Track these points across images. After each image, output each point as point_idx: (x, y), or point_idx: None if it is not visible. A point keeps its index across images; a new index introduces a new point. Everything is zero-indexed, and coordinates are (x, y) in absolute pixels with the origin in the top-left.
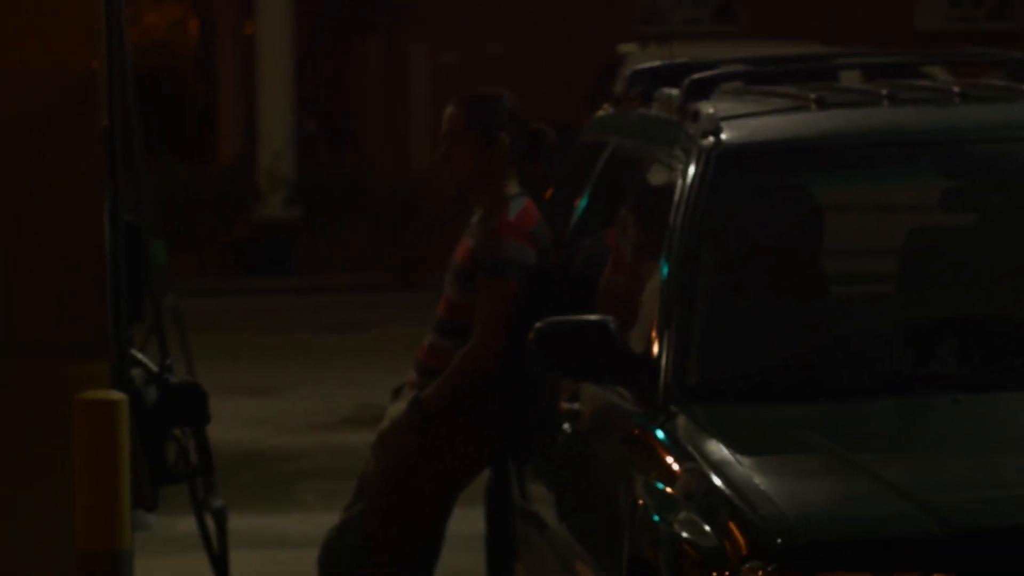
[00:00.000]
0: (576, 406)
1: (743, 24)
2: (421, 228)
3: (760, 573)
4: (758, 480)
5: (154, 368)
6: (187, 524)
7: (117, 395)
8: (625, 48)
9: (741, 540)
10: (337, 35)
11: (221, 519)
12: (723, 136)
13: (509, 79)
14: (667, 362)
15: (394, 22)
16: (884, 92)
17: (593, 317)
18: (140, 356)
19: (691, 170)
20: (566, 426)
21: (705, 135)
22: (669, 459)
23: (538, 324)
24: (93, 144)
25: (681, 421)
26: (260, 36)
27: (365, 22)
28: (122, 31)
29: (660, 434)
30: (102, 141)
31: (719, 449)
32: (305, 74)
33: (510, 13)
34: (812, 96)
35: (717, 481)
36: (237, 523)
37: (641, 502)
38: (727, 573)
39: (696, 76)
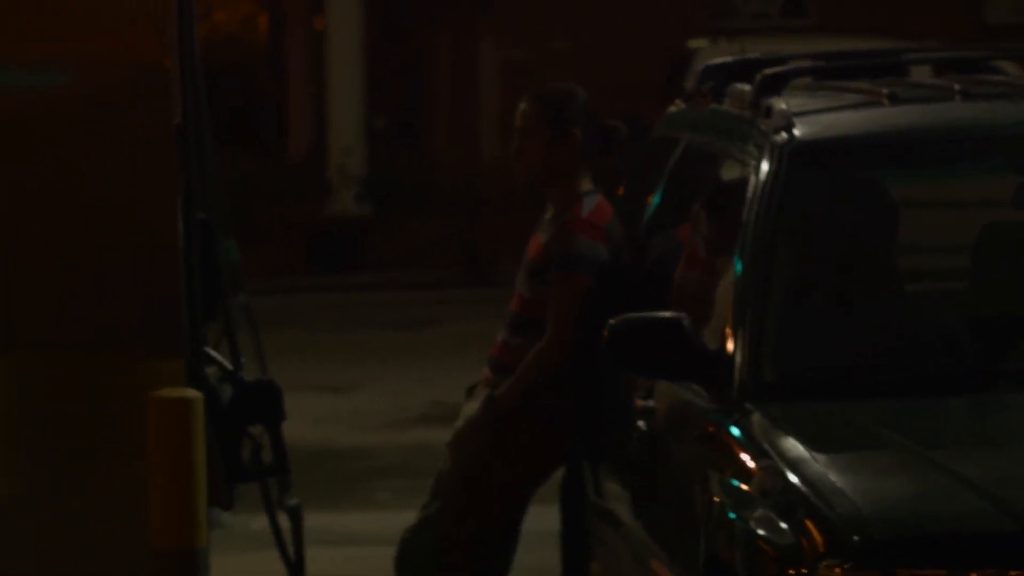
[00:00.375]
0: (651, 403)
1: (813, 18)
2: (490, 223)
3: (837, 571)
4: (834, 477)
5: (229, 366)
6: (262, 522)
7: (192, 393)
8: (695, 43)
9: (818, 538)
10: (406, 30)
11: (296, 517)
12: (796, 132)
13: (578, 74)
14: (742, 359)
15: (463, 17)
16: (956, 87)
17: (667, 314)
18: (215, 354)
19: (764, 166)
20: (641, 423)
21: (778, 131)
22: (745, 456)
23: (612, 321)
24: (166, 141)
25: (756, 418)
26: (330, 31)
27: (434, 17)
28: (193, 27)
29: (735, 431)
30: (175, 138)
31: (795, 446)
32: (374, 69)
33: (579, 8)
34: (884, 91)
35: (793, 478)
36: (311, 521)
37: (717, 500)
38: (804, 571)
39: (768, 71)
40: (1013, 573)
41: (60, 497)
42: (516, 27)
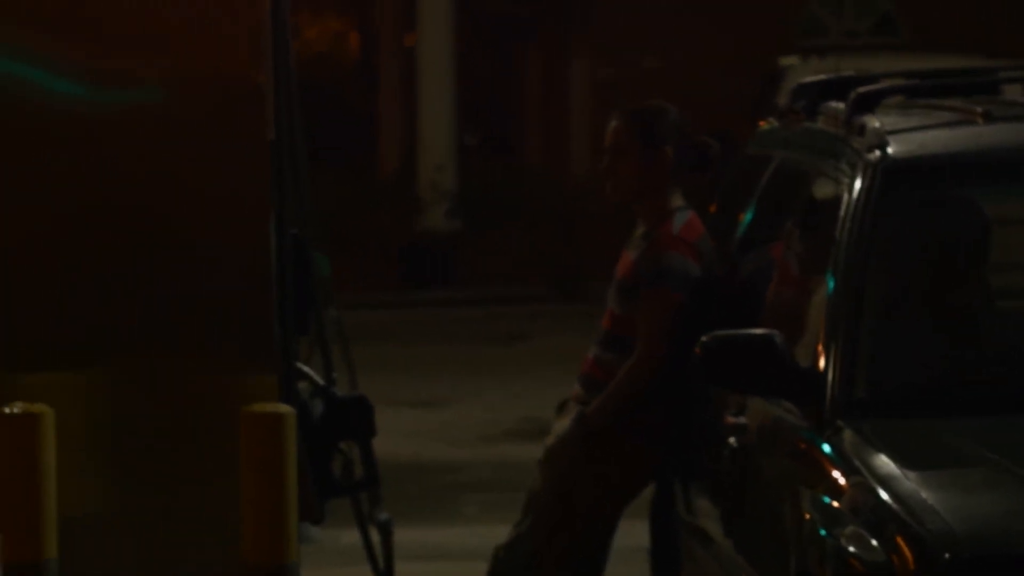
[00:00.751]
0: (742, 420)
1: (904, 36)
2: (581, 240)
3: None
4: (925, 494)
5: (320, 381)
6: (352, 536)
7: (284, 408)
8: (786, 61)
9: (908, 554)
10: (498, 47)
11: (386, 531)
12: (889, 150)
13: (668, 92)
14: (834, 376)
15: (555, 34)
16: None
17: (759, 331)
18: (306, 369)
19: (857, 184)
20: (732, 440)
21: (871, 149)
22: (836, 473)
23: (704, 338)
24: (261, 157)
25: (848, 435)
26: (421, 48)
27: (526, 34)
28: (288, 45)
29: (827, 448)
30: (269, 154)
31: (886, 463)
32: (466, 86)
33: (670, 26)
34: (978, 109)
35: (884, 495)
36: (401, 535)
37: (808, 516)
38: None
39: (861, 90)
40: None
41: (152, 511)
42: (608, 44)
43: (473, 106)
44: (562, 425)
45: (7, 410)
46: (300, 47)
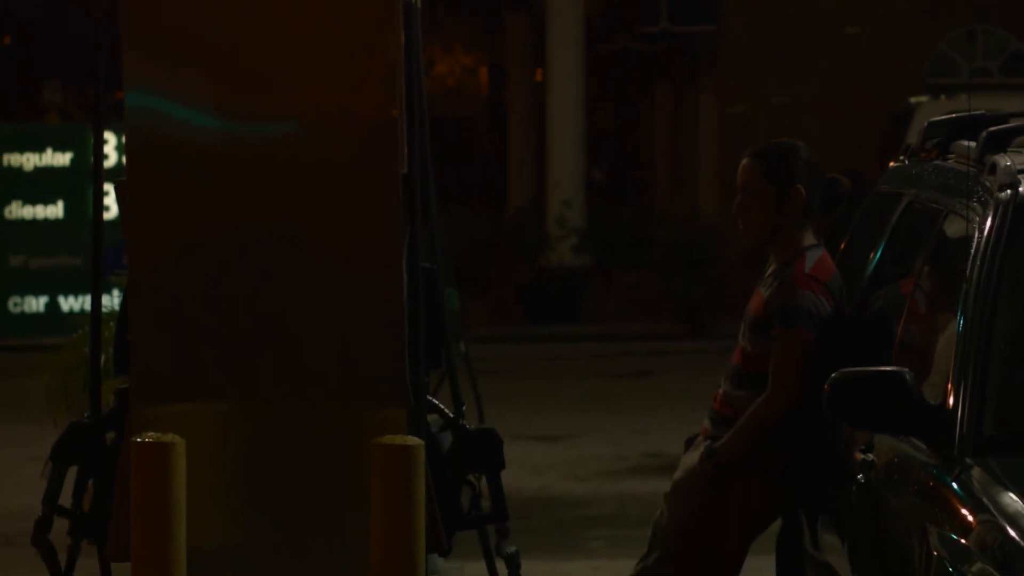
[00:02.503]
0: (870, 456)
1: None
2: (709, 277)
3: None
4: None
5: (450, 414)
6: (479, 569)
7: (414, 440)
8: (916, 99)
9: None
10: (627, 83)
11: (514, 565)
12: (1021, 189)
13: (797, 129)
14: (963, 414)
15: (684, 71)
16: None
17: (889, 368)
18: (436, 402)
19: (988, 222)
20: (860, 476)
21: (1002, 188)
22: (964, 511)
23: (834, 375)
24: (393, 191)
25: (976, 473)
26: (550, 83)
27: (655, 71)
28: (420, 80)
29: (955, 486)
30: (401, 188)
31: (1014, 501)
32: (594, 122)
33: (800, 63)
34: None
35: (1012, 533)
36: (527, 569)
37: (936, 554)
38: None
39: (993, 128)
40: None
41: (284, 544)
42: (737, 82)
43: (602, 142)
44: (691, 459)
45: (139, 439)
46: (430, 82)
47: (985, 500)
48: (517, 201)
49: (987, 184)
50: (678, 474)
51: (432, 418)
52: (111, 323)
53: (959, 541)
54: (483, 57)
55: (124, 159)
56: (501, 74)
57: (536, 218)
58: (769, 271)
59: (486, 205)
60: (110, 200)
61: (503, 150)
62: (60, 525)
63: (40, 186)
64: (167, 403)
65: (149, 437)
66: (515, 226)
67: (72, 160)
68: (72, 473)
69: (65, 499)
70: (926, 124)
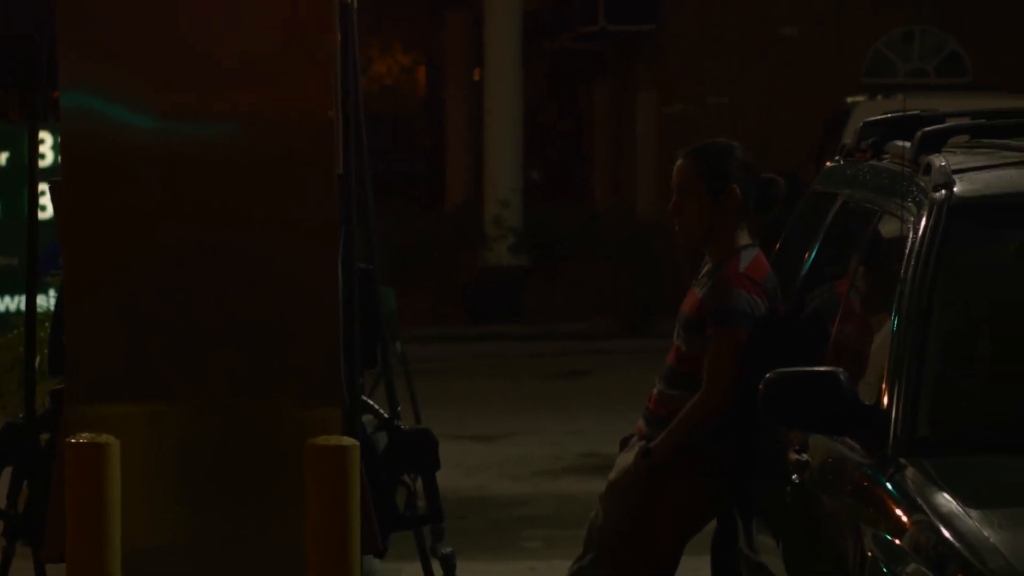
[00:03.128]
0: (804, 457)
1: (970, 76)
2: (646, 276)
3: None
4: (987, 533)
5: (385, 414)
6: (414, 570)
7: (349, 441)
8: (853, 99)
9: None
10: (564, 83)
11: (449, 565)
12: (955, 189)
13: (735, 129)
14: (897, 414)
15: (621, 70)
16: None
17: (824, 368)
18: (371, 402)
19: (923, 222)
20: (794, 477)
21: (937, 188)
22: (898, 511)
23: (768, 375)
24: (328, 191)
25: (910, 473)
26: (488, 82)
27: (592, 70)
28: (356, 80)
29: (889, 486)
30: (337, 189)
31: (948, 502)
32: (532, 121)
33: (737, 63)
34: None
35: (946, 534)
36: (463, 569)
37: (870, 554)
38: None
39: (927, 129)
40: None
41: (217, 543)
42: (675, 81)
43: (539, 141)
44: (625, 460)
45: (73, 440)
46: (368, 80)
47: (919, 500)
48: (455, 200)
49: (922, 184)
50: (613, 474)
51: (367, 418)
52: (46, 324)
53: (893, 542)
54: (422, 56)
55: (60, 159)
56: (440, 73)
57: (474, 217)
58: (704, 271)
59: (424, 204)
60: (46, 200)
61: (441, 149)
62: None
63: None
64: (101, 404)
65: (83, 438)
66: (453, 225)
67: (8, 160)
68: (7, 474)
69: None
70: (862, 124)
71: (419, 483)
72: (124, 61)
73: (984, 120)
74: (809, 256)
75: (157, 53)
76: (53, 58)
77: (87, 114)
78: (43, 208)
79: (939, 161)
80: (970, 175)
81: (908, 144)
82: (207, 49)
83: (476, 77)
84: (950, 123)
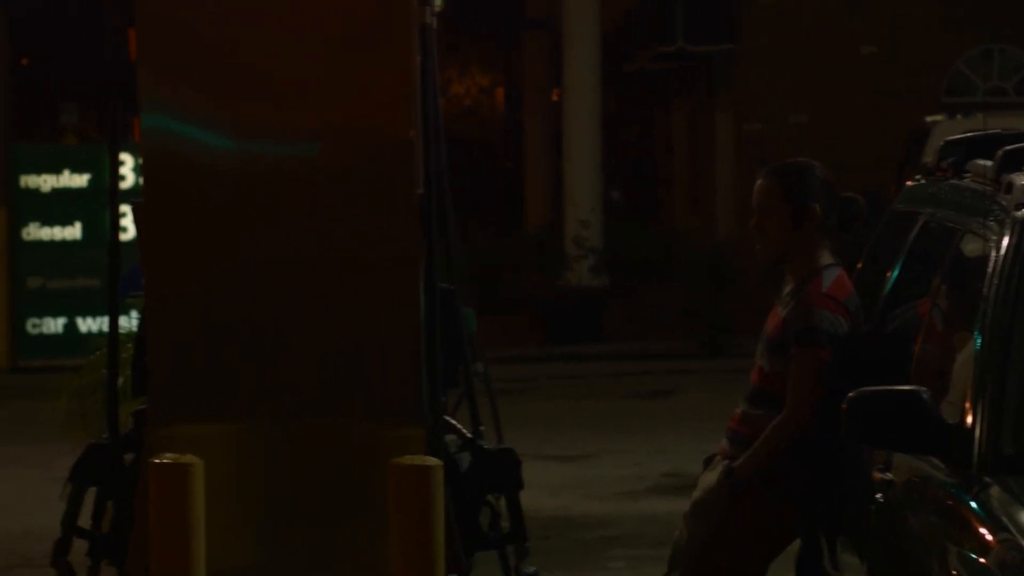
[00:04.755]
0: (889, 476)
1: None
2: (727, 296)
3: None
4: None
5: (468, 434)
6: None
7: (432, 461)
8: (932, 118)
9: None
10: (643, 102)
11: None
12: None
13: (814, 147)
14: (981, 432)
15: (700, 90)
16: None
17: (907, 387)
18: (454, 422)
19: (1005, 241)
20: (878, 496)
21: (1019, 206)
22: (983, 530)
23: (851, 394)
24: (409, 211)
25: (995, 492)
26: (567, 103)
27: (670, 90)
28: (436, 100)
29: (974, 505)
30: (418, 209)
31: None
32: (611, 141)
33: (816, 82)
34: None
35: None
36: None
37: (955, 573)
38: None
39: (1009, 147)
40: None
41: (303, 564)
42: (753, 100)
43: (619, 162)
44: (709, 479)
45: (157, 460)
46: (448, 103)
47: (1004, 519)
48: (535, 221)
49: (1003, 203)
50: (697, 493)
51: (450, 438)
52: (129, 344)
53: (978, 560)
54: (500, 77)
55: (141, 180)
56: (518, 94)
57: (554, 238)
58: (786, 290)
59: (504, 225)
60: (127, 221)
61: (520, 169)
62: (79, 546)
63: (57, 207)
64: (184, 424)
65: (167, 458)
66: (533, 245)
67: (89, 181)
68: (91, 495)
69: (84, 520)
70: (942, 143)
71: (502, 503)
72: (203, 81)
73: None
74: (891, 275)
75: (236, 73)
76: (132, 79)
77: (167, 135)
78: (123, 229)
79: (1021, 180)
80: None
81: (989, 163)
82: (286, 69)
83: (555, 98)
84: None
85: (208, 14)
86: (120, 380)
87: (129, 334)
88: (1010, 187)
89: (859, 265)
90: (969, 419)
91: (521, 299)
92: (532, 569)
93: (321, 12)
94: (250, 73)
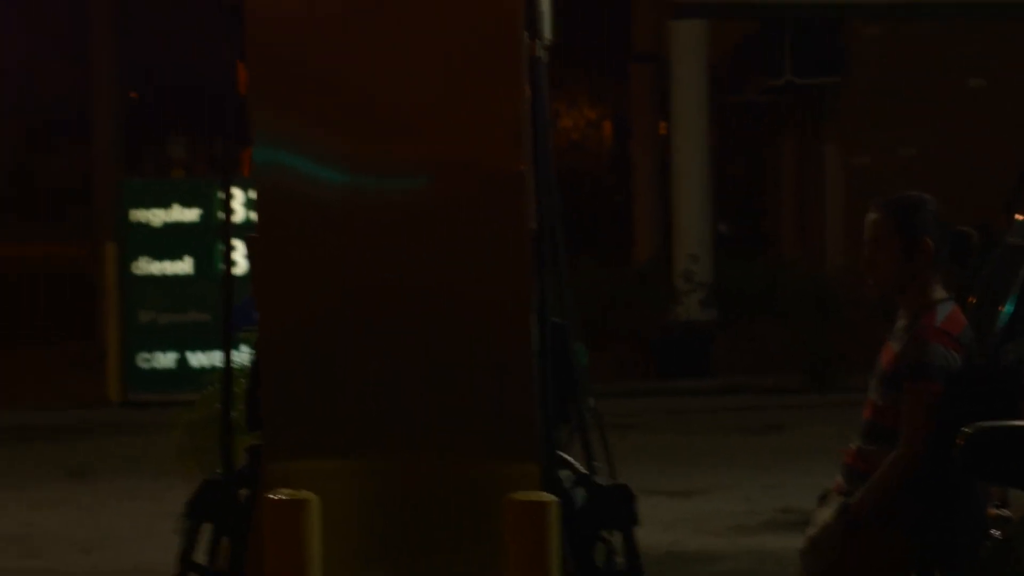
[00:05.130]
0: (1005, 512)
1: None
2: (836, 330)
3: None
4: None
5: (581, 469)
6: None
7: (548, 496)
8: None
9: None
10: (751, 136)
11: None
12: None
13: (923, 181)
14: None
15: (808, 123)
16: None
17: (1022, 422)
18: (568, 458)
19: None
20: (994, 531)
21: None
22: None
23: (966, 429)
24: (521, 246)
25: None
26: (675, 136)
27: (778, 122)
28: (547, 134)
29: None
30: (530, 243)
31: None
32: (719, 174)
33: (923, 115)
34: None
35: None
36: None
37: None
38: None
39: None
40: None
41: None
42: (862, 133)
43: (727, 195)
44: (824, 515)
45: (273, 496)
46: (555, 136)
47: None
48: (643, 254)
49: None
50: (812, 530)
51: (564, 474)
52: (242, 379)
53: None
54: (607, 111)
55: (250, 214)
56: (626, 127)
57: (662, 271)
58: (900, 324)
59: (612, 258)
60: (238, 255)
61: (629, 204)
62: None
63: (167, 242)
64: (299, 459)
65: (283, 494)
66: (642, 279)
67: (199, 216)
68: (206, 531)
69: (199, 556)
70: None
71: (617, 539)
72: (315, 115)
73: None
74: (1004, 309)
75: (347, 107)
76: (241, 113)
77: (280, 169)
78: (234, 263)
79: None
80: None
81: None
82: (397, 102)
83: (662, 131)
84: None
85: (318, 48)
86: (233, 414)
87: (241, 368)
88: None
89: (972, 299)
90: None
91: (629, 333)
92: None
93: (432, 45)
94: (361, 106)
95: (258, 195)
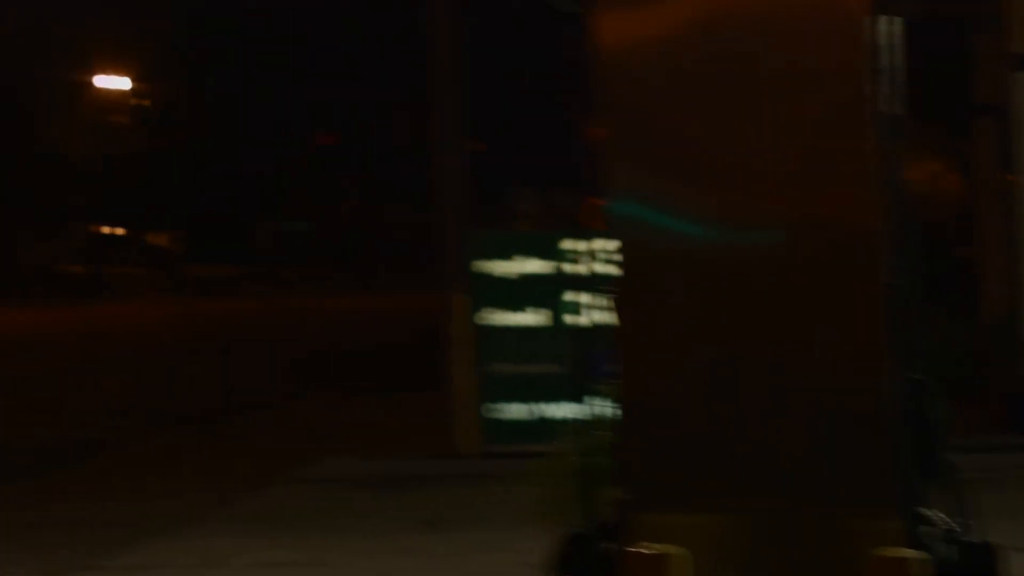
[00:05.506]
0: None
1: None
2: None
3: None
4: None
5: (945, 525)
6: None
7: (912, 553)
8: None
9: None
10: None
11: None
12: None
13: None
14: None
15: None
16: None
17: None
18: (930, 514)
19: None
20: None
21: None
22: None
23: None
24: (875, 301)
25: None
26: (1020, 188)
27: None
28: (903, 188)
29: None
30: (883, 298)
31: None
32: None
33: None
34: None
35: None
36: None
37: None
38: None
39: None
40: None
41: None
42: None
43: None
44: None
45: (638, 550)
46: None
47: None
48: (992, 306)
49: None
50: None
51: (926, 530)
52: (600, 432)
53: None
54: (952, 162)
55: (594, 266)
56: (971, 178)
57: (1013, 324)
58: None
59: (959, 311)
60: (584, 307)
61: (974, 254)
62: None
63: (518, 293)
64: (660, 513)
65: (647, 548)
66: (992, 332)
67: (548, 267)
68: None
69: None
70: None
71: None
72: (673, 169)
73: None
74: None
75: (704, 160)
76: (585, 166)
77: (640, 223)
78: (583, 315)
79: None
80: None
81: None
82: (754, 156)
83: (1007, 181)
84: None
85: (674, 103)
86: (593, 465)
87: (599, 420)
88: None
89: None
90: None
91: (981, 387)
92: None
93: (788, 99)
94: (719, 161)
95: (620, 249)
